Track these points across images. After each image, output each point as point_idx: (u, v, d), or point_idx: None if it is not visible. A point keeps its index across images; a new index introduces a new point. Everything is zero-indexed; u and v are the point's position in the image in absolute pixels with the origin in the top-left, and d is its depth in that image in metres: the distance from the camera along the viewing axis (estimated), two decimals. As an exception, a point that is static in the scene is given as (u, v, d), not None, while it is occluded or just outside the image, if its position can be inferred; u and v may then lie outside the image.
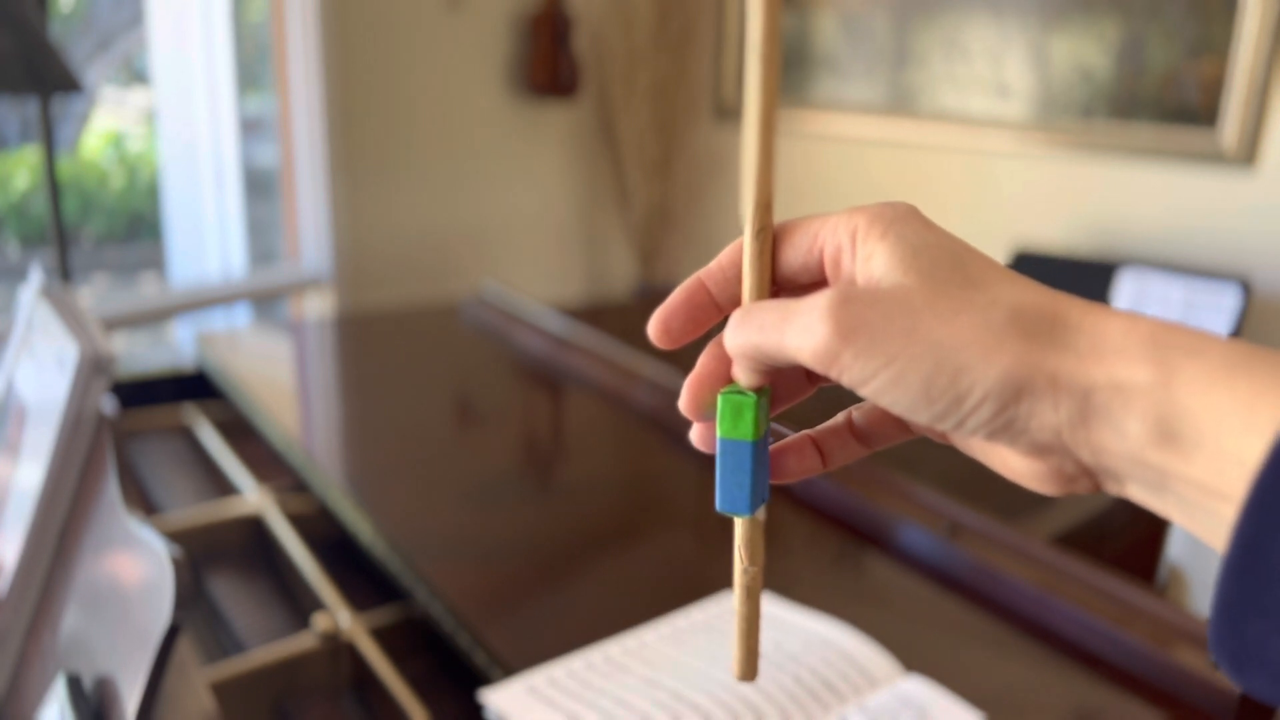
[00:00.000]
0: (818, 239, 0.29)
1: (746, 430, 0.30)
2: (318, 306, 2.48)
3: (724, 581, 0.77)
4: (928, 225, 0.28)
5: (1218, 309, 1.85)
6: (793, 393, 0.32)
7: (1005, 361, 0.25)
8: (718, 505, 0.31)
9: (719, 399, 0.30)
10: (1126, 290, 1.97)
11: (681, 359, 0.33)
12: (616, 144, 2.95)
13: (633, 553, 0.86)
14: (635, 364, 1.24)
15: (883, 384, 0.26)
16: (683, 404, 0.31)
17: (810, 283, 0.30)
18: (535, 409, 1.27)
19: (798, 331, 0.27)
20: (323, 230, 2.41)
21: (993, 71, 2.30)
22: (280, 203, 2.47)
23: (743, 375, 0.30)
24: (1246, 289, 1.84)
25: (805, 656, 0.67)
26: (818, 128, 2.66)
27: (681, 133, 2.91)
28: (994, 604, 0.78)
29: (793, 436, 0.33)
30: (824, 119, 2.65)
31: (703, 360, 0.31)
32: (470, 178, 2.71)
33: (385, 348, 1.46)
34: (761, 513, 0.31)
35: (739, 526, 0.32)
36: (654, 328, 0.31)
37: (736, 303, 0.31)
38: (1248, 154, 1.94)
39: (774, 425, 0.32)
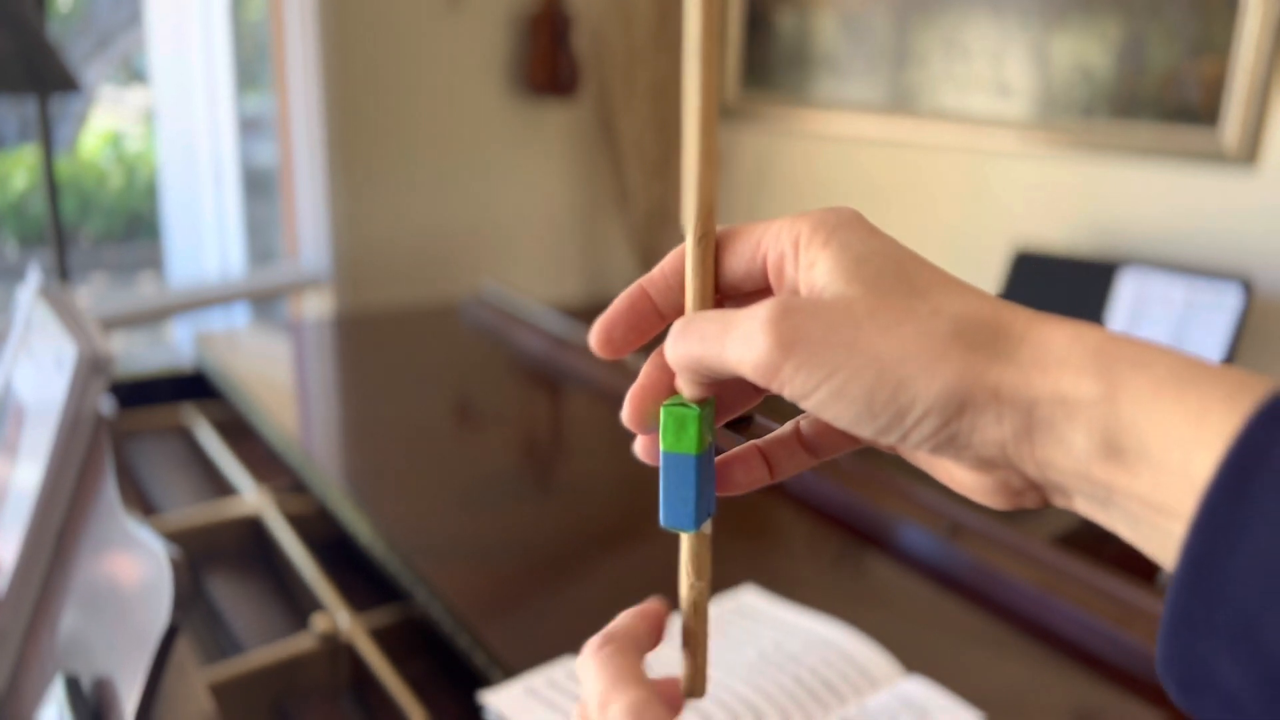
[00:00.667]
0: (760, 246, 0.29)
1: (690, 444, 0.29)
2: (317, 306, 2.47)
3: (724, 583, 0.76)
4: (872, 232, 0.28)
5: (1219, 309, 1.85)
6: (738, 402, 0.32)
7: (947, 375, 0.24)
8: (662, 521, 0.30)
9: (661, 411, 0.29)
10: (1127, 290, 1.96)
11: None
12: (616, 143, 2.95)
13: (632, 553, 0.86)
14: (635, 364, 1.23)
15: (824, 397, 0.25)
16: (625, 416, 0.30)
17: (754, 290, 0.30)
18: (535, 409, 1.27)
19: (738, 343, 0.26)
20: (322, 230, 2.40)
21: (993, 71, 2.30)
22: (279, 202, 2.47)
23: (685, 387, 0.29)
24: (1248, 289, 1.84)
25: (805, 657, 0.67)
26: (818, 127, 2.66)
27: (681, 132, 2.91)
28: (994, 604, 0.78)
29: (739, 447, 0.32)
30: (824, 118, 2.64)
31: (645, 370, 0.30)
32: (470, 177, 2.71)
33: (384, 348, 1.46)
34: (707, 526, 0.31)
35: (685, 542, 0.31)
36: (595, 337, 0.30)
37: (679, 310, 0.30)
38: (1249, 153, 1.94)
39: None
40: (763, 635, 0.69)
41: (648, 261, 3.01)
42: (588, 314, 1.71)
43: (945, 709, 0.63)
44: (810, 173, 2.72)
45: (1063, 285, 2.06)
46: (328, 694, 0.76)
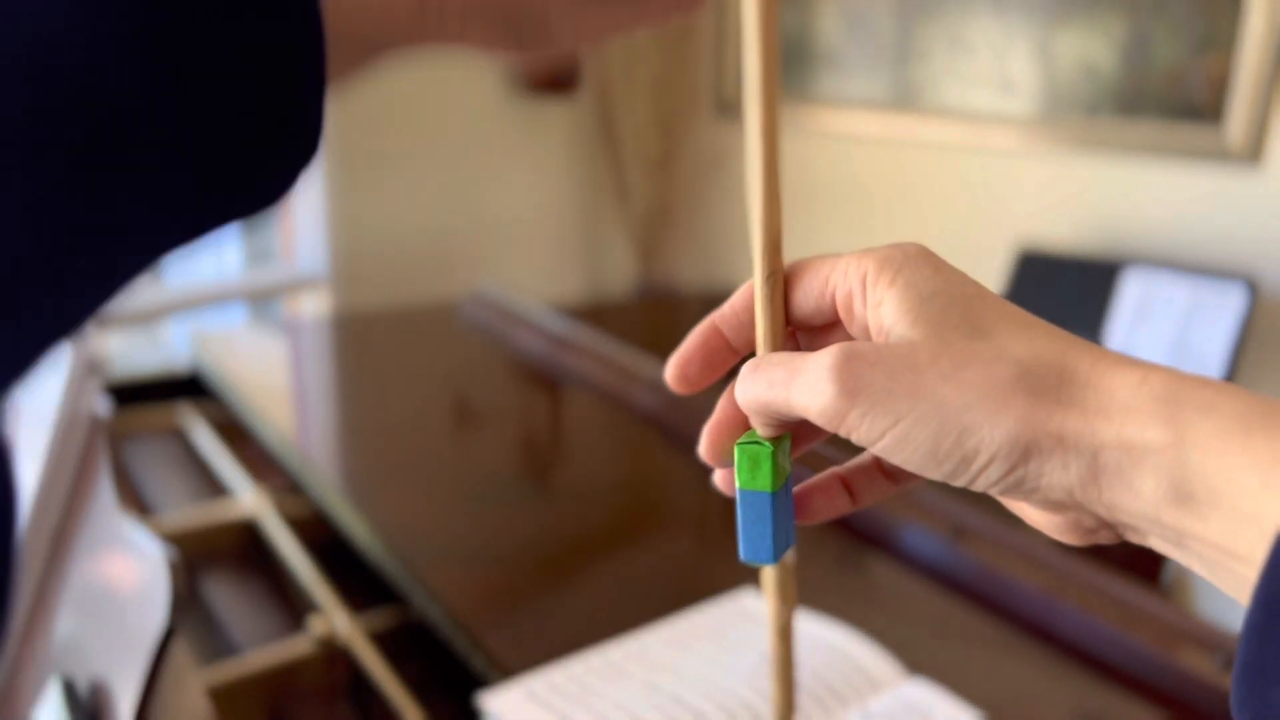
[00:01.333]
0: (828, 283, 0.29)
1: (765, 481, 0.29)
2: (314, 306, 2.47)
3: (725, 584, 0.76)
4: (938, 269, 0.28)
5: (1223, 309, 1.84)
6: (814, 434, 0.32)
7: (1010, 422, 0.24)
8: (741, 555, 0.30)
9: (735, 449, 0.29)
10: (1131, 290, 1.96)
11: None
12: (616, 141, 2.94)
13: (633, 555, 0.85)
14: (635, 364, 1.23)
15: (890, 444, 0.26)
16: (702, 451, 0.31)
17: (824, 325, 0.30)
18: (534, 410, 1.26)
19: (803, 390, 0.27)
20: (319, 229, 2.40)
21: (997, 67, 2.29)
22: (278, 201, 2.46)
23: (758, 426, 0.30)
24: (1253, 288, 1.83)
25: (808, 660, 0.67)
26: (819, 124, 2.66)
27: (682, 129, 2.91)
28: (998, 606, 0.78)
29: (820, 475, 0.32)
30: (826, 115, 2.64)
31: (721, 406, 0.31)
32: (468, 176, 2.70)
33: (382, 348, 1.45)
34: (789, 555, 0.31)
35: (766, 572, 0.31)
36: (671, 374, 0.31)
37: (752, 345, 0.30)
38: (1253, 151, 1.93)
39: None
40: (764, 638, 0.69)
41: (648, 260, 3.00)
42: (588, 314, 1.70)
43: (948, 712, 0.62)
44: (812, 170, 2.72)
45: (1066, 285, 2.06)
46: (325, 697, 0.76)
